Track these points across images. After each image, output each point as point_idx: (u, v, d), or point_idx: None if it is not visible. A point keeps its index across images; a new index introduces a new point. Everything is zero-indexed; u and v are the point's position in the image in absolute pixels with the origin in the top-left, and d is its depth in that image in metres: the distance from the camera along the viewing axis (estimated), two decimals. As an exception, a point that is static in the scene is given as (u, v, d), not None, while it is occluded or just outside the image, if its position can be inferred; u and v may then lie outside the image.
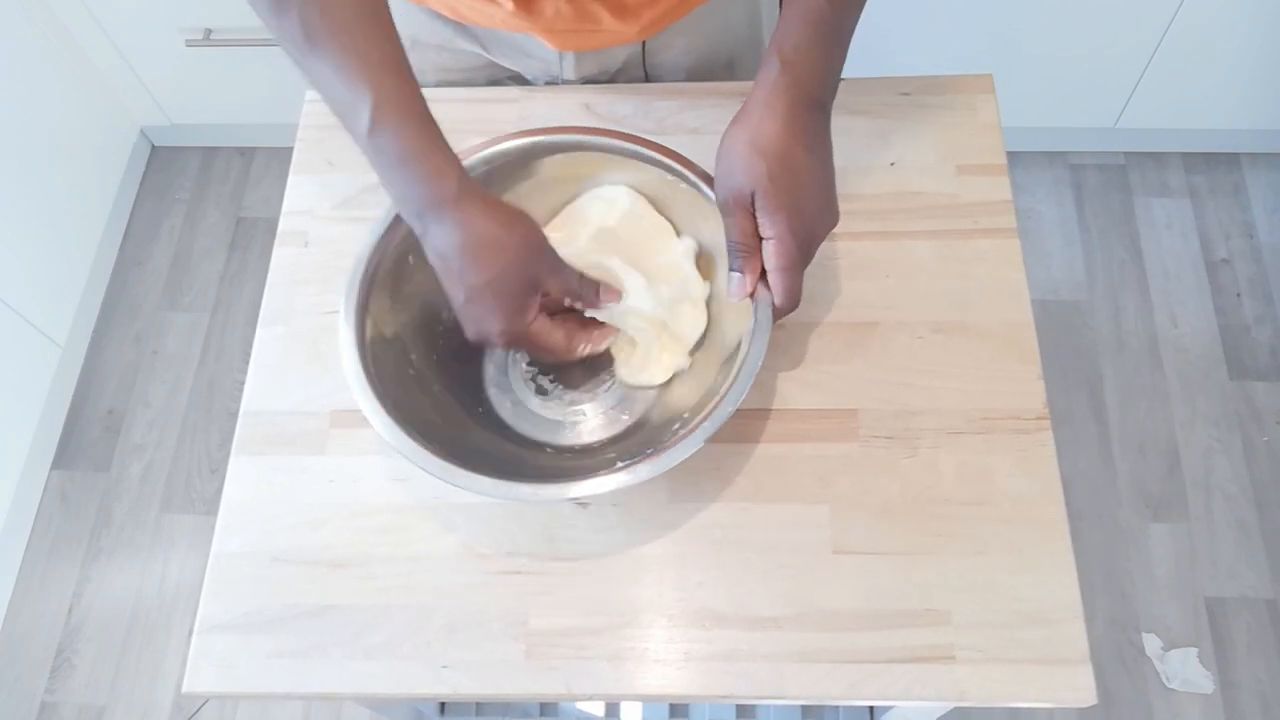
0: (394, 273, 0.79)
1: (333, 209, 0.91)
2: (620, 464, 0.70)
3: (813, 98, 0.72)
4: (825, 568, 0.74)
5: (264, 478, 0.80)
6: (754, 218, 0.72)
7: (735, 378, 0.72)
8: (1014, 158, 1.92)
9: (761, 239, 0.72)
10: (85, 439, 1.79)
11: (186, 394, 1.82)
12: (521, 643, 0.73)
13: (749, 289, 0.73)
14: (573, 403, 0.82)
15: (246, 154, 2.06)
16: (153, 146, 2.08)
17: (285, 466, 0.80)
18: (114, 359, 1.86)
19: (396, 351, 0.79)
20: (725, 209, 0.73)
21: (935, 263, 0.85)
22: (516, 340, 0.74)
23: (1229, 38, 1.66)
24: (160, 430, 1.79)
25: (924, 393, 0.80)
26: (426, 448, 0.71)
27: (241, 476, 0.80)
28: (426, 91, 1.00)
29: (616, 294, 0.77)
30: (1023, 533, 0.74)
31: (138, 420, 1.80)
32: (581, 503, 0.77)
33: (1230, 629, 1.55)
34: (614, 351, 0.82)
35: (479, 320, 0.73)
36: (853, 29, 0.74)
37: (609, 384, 0.83)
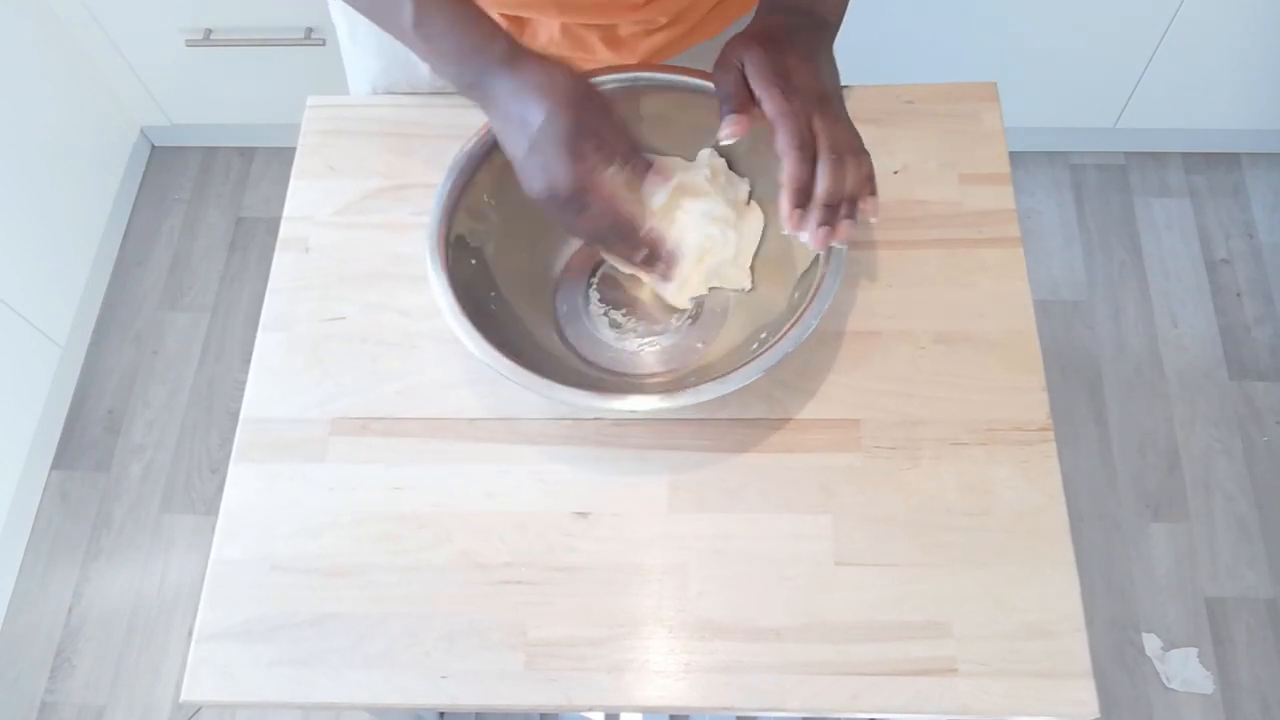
0: (487, 186, 0.82)
1: (334, 215, 0.90)
2: (685, 385, 0.73)
3: (813, 13, 0.73)
4: (827, 579, 0.74)
5: (264, 485, 0.80)
6: (746, 82, 0.72)
7: (811, 299, 0.74)
8: (1014, 158, 1.90)
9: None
10: (85, 439, 1.79)
11: (186, 394, 1.82)
12: (521, 653, 0.73)
13: (740, 125, 0.73)
14: (645, 335, 0.84)
15: (246, 154, 2.06)
16: (153, 146, 2.07)
17: (285, 474, 0.80)
18: (114, 359, 1.86)
19: (479, 270, 0.81)
20: (717, 80, 0.74)
21: (938, 272, 0.85)
22: (584, 191, 0.73)
23: (1229, 38, 1.66)
24: (160, 430, 1.79)
25: (926, 403, 0.79)
26: (503, 353, 0.74)
27: (241, 483, 0.80)
28: (423, 95, 0.99)
29: (667, 175, 0.78)
30: (1025, 545, 0.74)
31: (138, 420, 1.80)
32: (581, 513, 0.77)
33: (1230, 629, 1.55)
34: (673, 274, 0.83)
35: (544, 169, 0.72)
36: None
37: (682, 317, 0.85)
